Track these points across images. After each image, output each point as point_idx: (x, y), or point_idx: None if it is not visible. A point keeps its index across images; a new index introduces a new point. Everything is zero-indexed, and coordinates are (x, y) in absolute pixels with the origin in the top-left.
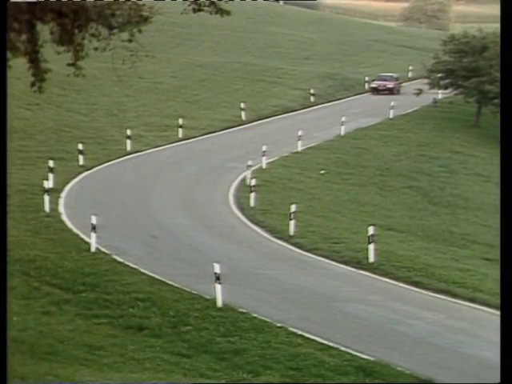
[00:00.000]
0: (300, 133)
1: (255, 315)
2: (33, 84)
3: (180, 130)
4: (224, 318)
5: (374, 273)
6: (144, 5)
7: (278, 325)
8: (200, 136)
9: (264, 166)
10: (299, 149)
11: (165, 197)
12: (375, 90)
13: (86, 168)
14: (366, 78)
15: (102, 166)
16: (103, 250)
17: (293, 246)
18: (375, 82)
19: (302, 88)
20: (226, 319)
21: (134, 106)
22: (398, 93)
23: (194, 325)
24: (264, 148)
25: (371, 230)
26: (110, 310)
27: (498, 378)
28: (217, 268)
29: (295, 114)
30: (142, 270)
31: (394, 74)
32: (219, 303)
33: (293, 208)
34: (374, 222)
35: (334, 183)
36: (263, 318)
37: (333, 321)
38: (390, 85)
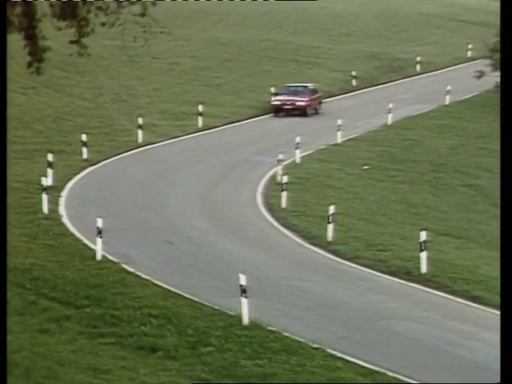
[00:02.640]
0: (339, 122)
1: (287, 334)
2: (29, 64)
3: (200, 118)
4: (251, 338)
5: (427, 285)
6: None
7: (314, 346)
8: (223, 125)
9: (297, 161)
10: (339, 140)
11: (182, 196)
12: (278, 111)
13: (90, 162)
14: (418, 59)
15: (110, 160)
16: (110, 257)
17: (331, 254)
18: (278, 98)
19: (342, 70)
20: (253, 339)
21: (147, 90)
22: (316, 112)
23: (215, 345)
24: (297, 139)
25: (423, 236)
26: (119, 328)
27: None
28: (242, 279)
29: (334, 99)
30: (156, 282)
31: (310, 85)
32: (245, 320)
33: (331, 209)
34: (426, 226)
35: (378, 180)
36: (296, 338)
37: (378, 341)
38: (302, 102)
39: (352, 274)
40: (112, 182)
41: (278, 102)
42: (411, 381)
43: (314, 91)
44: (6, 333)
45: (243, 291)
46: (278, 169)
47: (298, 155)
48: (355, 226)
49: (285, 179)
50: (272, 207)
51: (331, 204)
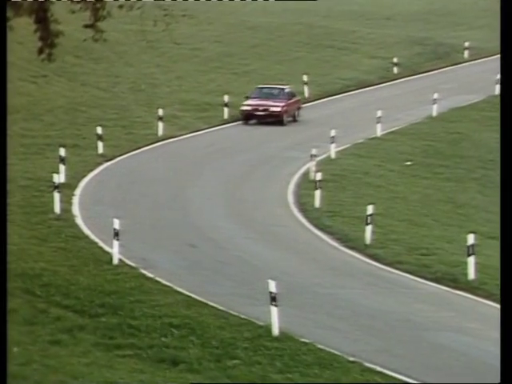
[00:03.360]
0: (379, 113)
1: (320, 346)
2: (40, 50)
3: (225, 109)
4: (281, 350)
5: (475, 293)
6: None
7: (350, 359)
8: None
9: (333, 156)
10: (378, 134)
11: (206, 194)
12: (248, 117)
13: (106, 158)
14: (466, 44)
15: (127, 155)
16: (128, 262)
17: (369, 259)
18: (249, 103)
19: (382, 56)
20: (284, 351)
21: (168, 78)
22: (294, 120)
23: (242, 358)
24: (333, 133)
25: (471, 239)
26: (137, 339)
27: None
28: (272, 286)
29: (373, 89)
30: (177, 289)
31: (286, 87)
32: (275, 331)
33: (369, 209)
34: (474, 228)
35: (422, 178)
36: (331, 351)
37: (421, 354)
38: (277, 107)
39: (392, 281)
40: (130, 179)
41: (248, 108)
42: None
43: (292, 94)
44: (6, 331)
45: (273, 299)
46: (311, 165)
47: (333, 150)
48: (396, 228)
49: (318, 176)
50: (304, 207)
51: (369, 204)
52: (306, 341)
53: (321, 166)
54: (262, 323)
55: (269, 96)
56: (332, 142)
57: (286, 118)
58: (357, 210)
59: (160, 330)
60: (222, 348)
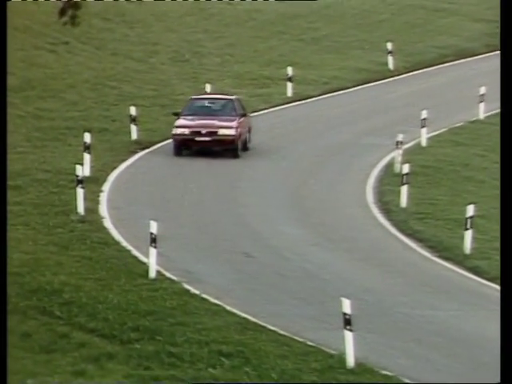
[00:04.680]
0: (483, 90)
1: (407, 381)
2: (62, 12)
3: (289, 84)
4: None
5: None
6: None
7: None
8: (321, 95)
9: (423, 143)
10: (481, 116)
11: (264, 191)
12: (184, 145)
13: (141, 145)
14: None
15: (168, 141)
16: (168, 275)
17: (469, 272)
18: (183, 123)
19: (489, 19)
20: None
21: (217, 46)
22: (244, 147)
23: None
24: (424, 114)
25: None
26: (179, 370)
27: None
28: (347, 306)
29: (476, 59)
30: (229, 308)
31: (233, 97)
32: (350, 361)
33: (469, 211)
34: None
35: None
36: None
37: None
38: (229, 129)
39: (498, 300)
40: (171, 171)
41: (182, 131)
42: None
43: (242, 108)
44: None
45: (347, 322)
46: (397, 154)
47: (424, 136)
48: (494, 234)
49: (406, 169)
50: (388, 207)
51: (469, 203)
52: (389, 374)
53: (408, 156)
54: (333, 351)
55: (212, 112)
56: (423, 126)
57: (240, 145)
58: (453, 211)
59: (207, 359)
60: (284, 382)
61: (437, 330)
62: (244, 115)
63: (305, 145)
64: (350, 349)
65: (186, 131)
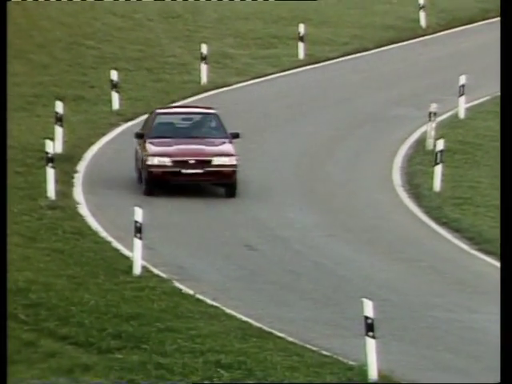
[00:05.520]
0: None
1: None
2: None
3: (301, 45)
4: None
5: None
6: None
7: None
8: (338, 57)
9: (462, 115)
10: None
11: (272, 172)
12: (164, 180)
13: (124, 117)
14: None
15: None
16: (156, 271)
17: None
18: (161, 151)
19: None
20: None
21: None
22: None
23: None
24: (462, 80)
25: None
26: None
27: None
28: (369, 309)
29: None
30: (228, 311)
31: (213, 110)
32: (373, 374)
33: None
34: None
35: None
36: None
37: None
38: (223, 157)
39: None
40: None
41: (163, 161)
42: None
43: (224, 131)
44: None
45: (370, 327)
46: (429, 128)
47: (462, 106)
48: None
49: (440, 145)
50: (418, 191)
51: None
52: None
53: (444, 130)
54: (353, 362)
55: (193, 133)
56: (461, 94)
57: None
58: (497, 196)
59: (203, 371)
60: None
61: (476, 337)
62: (236, 136)
63: (320, 117)
64: (373, 359)
65: (167, 161)
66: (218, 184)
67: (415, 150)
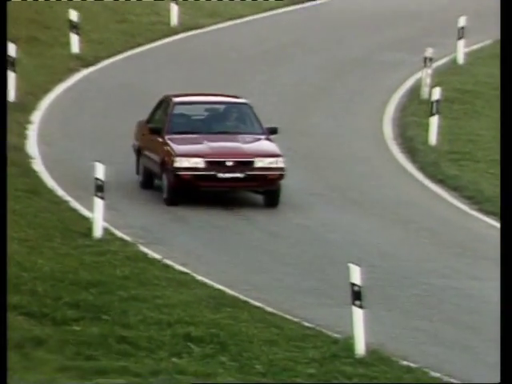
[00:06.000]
0: None
1: (434, 374)
2: None
3: None
4: (370, 379)
5: None
6: None
7: None
8: None
9: (461, 60)
10: None
11: None
12: (189, 187)
13: (84, 61)
14: None
15: (119, 57)
16: (119, 234)
17: None
18: (186, 149)
19: None
20: (376, 381)
21: None
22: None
23: None
24: (462, 21)
25: None
26: (133, 361)
27: None
28: (356, 275)
29: None
30: (200, 278)
31: (244, 99)
32: (360, 348)
33: None
34: None
35: None
36: (451, 381)
37: None
38: (268, 157)
39: None
40: (123, 98)
41: (195, 163)
42: None
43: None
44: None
45: (356, 296)
46: (425, 74)
47: (461, 50)
48: None
49: (436, 94)
50: (412, 145)
51: None
52: (411, 365)
53: (441, 77)
54: (338, 335)
55: (223, 128)
56: (460, 37)
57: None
58: (499, 151)
59: (170, 345)
60: (273, 376)
61: (475, 306)
62: (274, 131)
63: (304, 63)
64: (360, 331)
65: (200, 163)
66: (259, 191)
67: (409, 100)
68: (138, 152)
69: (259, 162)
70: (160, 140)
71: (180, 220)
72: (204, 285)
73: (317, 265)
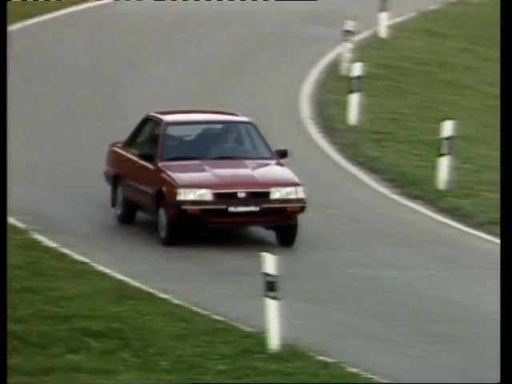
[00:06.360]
0: None
1: (354, 370)
2: None
3: None
4: (284, 377)
5: None
6: None
7: None
8: None
9: (383, 34)
10: None
11: (154, 103)
12: (194, 223)
13: None
14: None
15: (15, 27)
16: (12, 220)
17: (445, 216)
18: (191, 178)
19: None
20: (289, 378)
21: None
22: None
23: None
24: None
25: None
26: (23, 358)
27: None
28: (270, 264)
29: None
30: (101, 268)
31: (247, 119)
32: (274, 343)
33: (447, 129)
34: None
35: None
36: (373, 378)
37: None
38: (285, 186)
39: (484, 255)
40: (22, 74)
41: (202, 195)
42: None
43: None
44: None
45: (270, 287)
46: (345, 49)
47: (383, 22)
48: (494, 163)
49: (357, 70)
50: (330, 124)
51: (447, 118)
52: (328, 360)
53: (362, 52)
54: (251, 329)
55: (226, 150)
56: (382, 9)
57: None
58: (425, 130)
59: (67, 340)
60: (179, 373)
61: (398, 297)
62: (284, 154)
63: (219, 35)
64: (274, 325)
65: (208, 195)
66: (274, 227)
67: (328, 76)
68: (115, 180)
69: (276, 193)
70: (151, 167)
71: (80, 204)
72: (105, 275)
73: (228, 252)
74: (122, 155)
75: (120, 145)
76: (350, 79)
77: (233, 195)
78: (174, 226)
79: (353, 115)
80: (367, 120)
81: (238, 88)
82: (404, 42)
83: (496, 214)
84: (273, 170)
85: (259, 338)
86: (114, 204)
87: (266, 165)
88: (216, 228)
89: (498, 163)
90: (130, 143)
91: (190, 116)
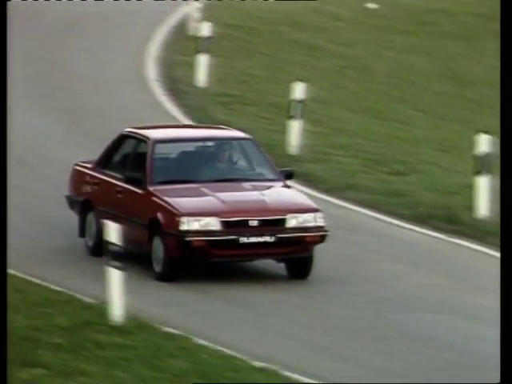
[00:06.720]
0: None
1: (201, 341)
2: None
3: None
4: (126, 350)
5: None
6: None
7: (259, 364)
8: None
9: None
10: None
11: None
12: (201, 256)
13: None
14: None
15: None
16: None
17: (296, 180)
18: (195, 205)
19: None
20: (131, 352)
21: None
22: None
23: (46, 364)
24: None
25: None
26: None
27: None
28: (112, 232)
29: None
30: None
31: (246, 135)
32: (116, 314)
33: (298, 91)
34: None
35: (398, 33)
36: (224, 350)
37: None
38: (302, 213)
39: (343, 221)
40: None
41: (208, 224)
42: None
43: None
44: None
45: (115, 256)
46: (192, 8)
47: None
48: (347, 126)
49: (205, 30)
50: (178, 86)
51: (298, 80)
52: (174, 331)
53: (210, 12)
54: (91, 300)
55: (227, 171)
56: None
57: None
58: (274, 92)
59: None
60: (10, 347)
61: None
62: (290, 175)
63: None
64: (116, 295)
65: (215, 224)
66: (287, 259)
67: (175, 36)
68: (84, 207)
69: (293, 220)
70: (140, 192)
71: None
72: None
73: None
74: (94, 177)
75: (89, 165)
76: (197, 39)
77: (243, 223)
78: (173, 260)
79: (201, 77)
80: (216, 82)
81: (76, 49)
82: (254, 2)
83: (348, 180)
84: (285, 194)
85: (101, 310)
86: (82, 234)
87: (273, 187)
88: (222, 261)
89: (350, 126)
90: (102, 163)
91: (180, 132)
